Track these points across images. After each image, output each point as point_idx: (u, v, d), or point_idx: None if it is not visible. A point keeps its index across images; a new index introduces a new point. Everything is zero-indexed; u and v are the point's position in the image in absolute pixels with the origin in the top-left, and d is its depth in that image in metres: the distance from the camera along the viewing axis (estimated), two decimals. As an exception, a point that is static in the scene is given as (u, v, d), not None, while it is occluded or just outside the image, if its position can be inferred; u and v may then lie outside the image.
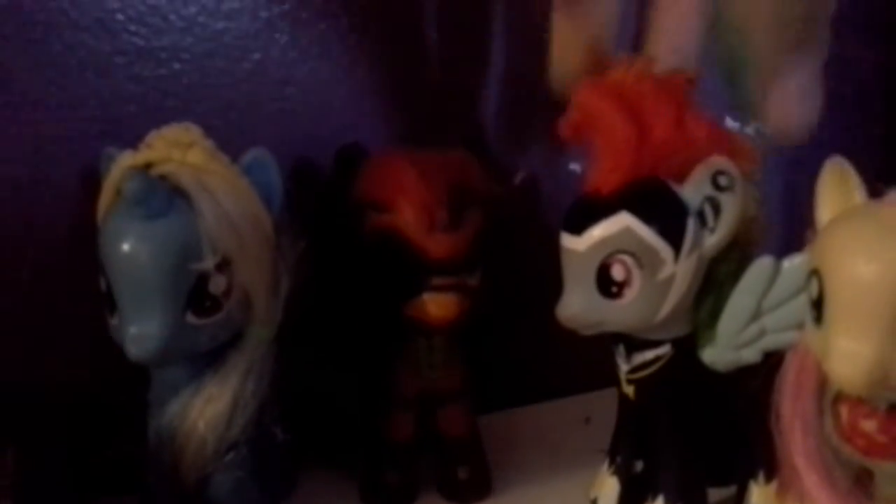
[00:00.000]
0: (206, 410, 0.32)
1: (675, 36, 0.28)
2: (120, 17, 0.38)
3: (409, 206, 0.35)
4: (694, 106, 0.30)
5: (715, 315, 0.32)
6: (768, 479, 0.34)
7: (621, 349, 0.34)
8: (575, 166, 0.32)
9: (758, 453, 0.33)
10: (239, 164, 0.33)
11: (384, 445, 0.39)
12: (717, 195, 0.30)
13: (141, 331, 0.30)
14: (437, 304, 0.35)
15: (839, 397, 0.27)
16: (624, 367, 0.34)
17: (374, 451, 0.40)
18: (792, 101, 0.25)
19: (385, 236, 0.35)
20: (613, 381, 0.36)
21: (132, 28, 0.38)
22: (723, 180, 0.30)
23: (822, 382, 0.27)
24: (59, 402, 0.38)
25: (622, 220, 0.30)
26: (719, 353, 0.32)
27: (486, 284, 0.37)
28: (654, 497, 0.34)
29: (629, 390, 0.35)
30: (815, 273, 0.26)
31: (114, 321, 0.32)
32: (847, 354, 0.25)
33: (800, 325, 0.29)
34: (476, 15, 0.45)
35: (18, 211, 0.38)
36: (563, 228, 0.32)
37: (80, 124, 0.38)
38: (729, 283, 0.31)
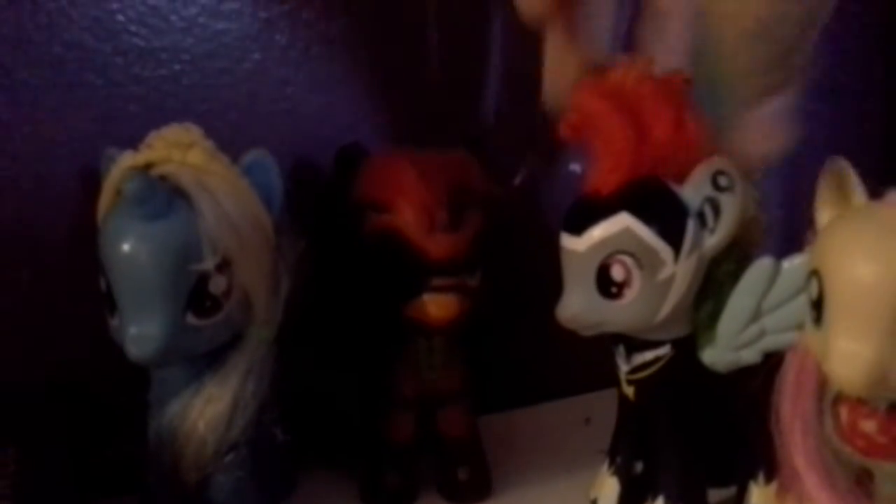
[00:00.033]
0: (206, 411, 0.32)
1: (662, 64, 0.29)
2: (120, 17, 0.38)
3: (409, 206, 0.35)
4: (693, 107, 0.30)
5: (715, 316, 0.32)
6: (768, 479, 0.34)
7: (621, 350, 0.34)
8: (575, 167, 0.32)
9: (758, 454, 0.33)
10: (239, 164, 0.33)
11: (384, 446, 0.39)
12: (716, 196, 0.30)
13: (141, 331, 0.30)
14: (437, 305, 0.35)
15: (839, 398, 0.27)
16: (624, 368, 0.34)
17: (374, 451, 0.40)
18: (762, 134, 0.25)
19: (385, 237, 0.35)
20: (613, 381, 0.36)
21: (132, 29, 0.38)
22: (723, 181, 0.30)
23: (822, 383, 0.27)
24: (59, 402, 0.38)
25: (622, 221, 0.30)
26: (719, 354, 0.32)
27: (485, 285, 0.37)
28: (654, 497, 0.34)
29: (629, 391, 0.35)
30: (814, 274, 0.26)
31: (114, 321, 0.32)
32: (847, 355, 0.25)
33: (800, 326, 0.29)
34: (476, 15, 0.45)
35: (18, 211, 0.38)
36: (562, 229, 0.32)
37: (81, 124, 0.38)
38: (729, 284, 0.31)
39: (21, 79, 0.37)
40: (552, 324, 0.32)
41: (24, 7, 0.36)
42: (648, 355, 0.33)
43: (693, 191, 0.30)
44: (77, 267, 0.34)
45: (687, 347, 0.33)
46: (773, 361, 0.29)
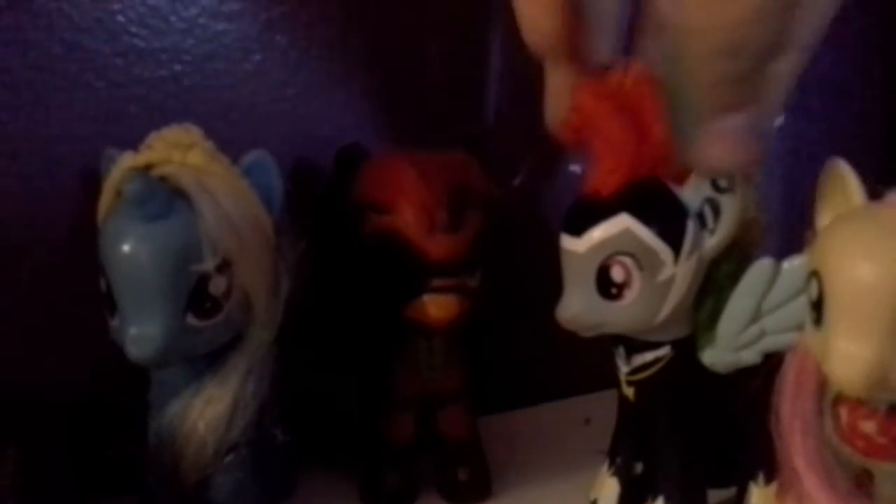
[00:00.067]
0: (206, 411, 0.32)
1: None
2: (121, 18, 0.38)
3: (409, 207, 0.35)
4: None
5: (715, 316, 0.32)
6: (768, 480, 0.34)
7: (621, 351, 0.34)
8: (575, 167, 0.32)
9: (758, 455, 0.33)
10: (239, 165, 0.33)
11: (384, 446, 0.39)
12: (716, 196, 0.30)
13: (141, 332, 0.30)
14: (437, 306, 0.35)
15: (839, 398, 0.27)
16: (624, 369, 0.34)
17: (374, 452, 0.40)
18: (723, 147, 0.25)
19: (385, 237, 0.35)
20: (613, 382, 0.36)
21: (133, 29, 0.38)
22: (722, 182, 0.30)
23: (822, 384, 0.27)
24: (59, 402, 0.38)
25: (622, 222, 0.30)
26: (719, 355, 0.32)
27: (485, 286, 0.38)
28: (654, 498, 0.34)
29: (629, 392, 0.35)
30: (814, 275, 0.26)
31: (114, 322, 0.32)
32: (847, 356, 0.25)
33: (799, 327, 0.29)
34: (476, 15, 0.45)
35: (19, 211, 0.38)
36: (562, 230, 0.32)
37: (81, 125, 0.38)
38: (729, 285, 0.31)
39: (21, 79, 0.37)
40: (552, 324, 0.32)
41: (25, 8, 0.36)
42: (648, 356, 0.33)
43: (693, 192, 0.30)
44: (77, 267, 0.34)
45: (687, 348, 0.33)
46: (773, 362, 0.30)
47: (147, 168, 0.31)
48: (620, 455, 0.36)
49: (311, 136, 0.42)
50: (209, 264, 0.31)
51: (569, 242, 0.31)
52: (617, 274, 0.30)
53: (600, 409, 0.40)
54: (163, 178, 0.31)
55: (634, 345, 0.33)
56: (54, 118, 0.38)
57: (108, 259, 0.31)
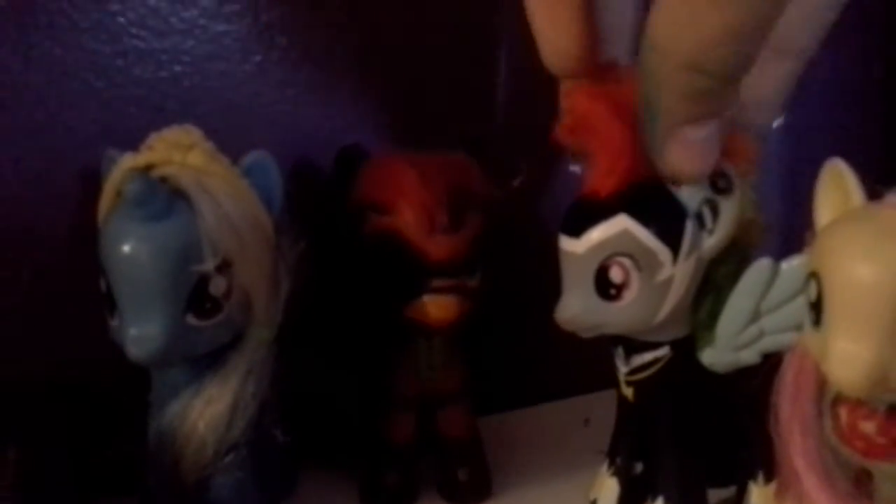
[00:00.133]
0: (206, 412, 0.32)
1: None
2: (121, 19, 0.38)
3: (409, 207, 0.35)
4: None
5: (714, 317, 0.32)
6: (768, 480, 0.34)
7: (620, 351, 0.34)
8: (575, 168, 0.32)
9: (757, 454, 0.33)
10: (239, 165, 0.33)
11: (384, 446, 0.39)
12: (715, 197, 0.30)
13: (141, 332, 0.30)
14: (437, 306, 0.35)
15: (838, 399, 0.27)
16: (623, 369, 0.34)
17: (374, 452, 0.40)
18: (682, 155, 0.26)
19: (385, 238, 0.36)
20: (613, 382, 0.36)
21: (133, 30, 0.38)
22: (721, 182, 0.30)
23: (821, 384, 0.27)
24: (59, 402, 0.38)
25: (620, 223, 0.30)
26: (718, 355, 0.32)
27: (485, 286, 0.38)
28: (654, 498, 0.34)
29: (628, 392, 0.35)
30: (813, 275, 0.26)
31: (114, 322, 0.32)
32: (846, 356, 0.25)
33: (798, 327, 0.29)
34: (477, 15, 0.45)
35: (19, 211, 0.38)
36: (561, 231, 0.32)
37: (81, 126, 0.38)
38: (727, 285, 0.31)
39: (21, 79, 0.37)
40: (552, 324, 0.32)
41: (25, 8, 0.37)
42: (647, 356, 0.33)
43: (691, 192, 0.30)
44: (77, 267, 0.34)
45: (686, 349, 0.33)
46: (772, 362, 0.29)
47: (147, 169, 0.31)
48: (620, 455, 0.36)
49: (311, 136, 0.42)
50: (209, 265, 0.31)
51: (567, 243, 0.31)
52: (616, 275, 0.30)
53: (600, 409, 0.40)
54: (163, 179, 0.31)
55: (633, 345, 0.33)
56: (54, 119, 0.38)
57: (108, 259, 0.31)
